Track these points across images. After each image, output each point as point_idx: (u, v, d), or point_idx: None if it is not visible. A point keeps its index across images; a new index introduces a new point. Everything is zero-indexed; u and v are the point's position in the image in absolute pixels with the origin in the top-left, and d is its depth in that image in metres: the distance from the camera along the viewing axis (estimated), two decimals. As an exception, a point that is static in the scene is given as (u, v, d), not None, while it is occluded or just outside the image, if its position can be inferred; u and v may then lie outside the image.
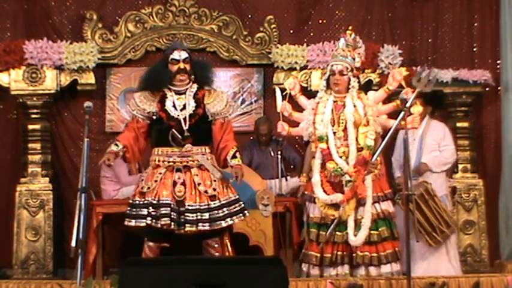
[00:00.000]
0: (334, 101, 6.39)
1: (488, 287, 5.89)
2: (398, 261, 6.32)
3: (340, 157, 6.28)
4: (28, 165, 8.39)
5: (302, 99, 6.62)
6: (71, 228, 5.34)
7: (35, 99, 8.40)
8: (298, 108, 6.72)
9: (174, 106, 6.08)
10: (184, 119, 6.06)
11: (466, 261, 8.30)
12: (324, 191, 6.32)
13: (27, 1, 8.75)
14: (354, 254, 6.26)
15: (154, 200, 5.93)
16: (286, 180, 8.10)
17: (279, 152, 8.02)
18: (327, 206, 6.34)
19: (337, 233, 6.31)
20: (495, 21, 8.94)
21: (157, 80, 6.11)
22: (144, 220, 5.92)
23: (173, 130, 6.00)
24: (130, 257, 5.74)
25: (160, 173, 5.98)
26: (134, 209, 5.99)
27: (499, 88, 8.85)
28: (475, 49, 8.99)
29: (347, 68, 6.36)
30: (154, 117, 6.11)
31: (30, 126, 8.43)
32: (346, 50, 6.40)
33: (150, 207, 5.92)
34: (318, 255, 6.37)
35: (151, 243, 6.14)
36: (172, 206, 5.91)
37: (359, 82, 6.50)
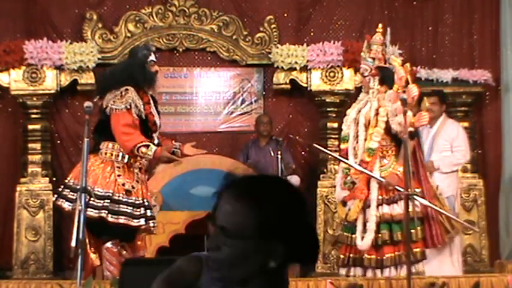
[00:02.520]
0: (367, 101, 6.42)
1: (488, 287, 5.88)
2: (400, 265, 6.25)
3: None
4: (28, 165, 8.39)
5: None
6: (70, 228, 5.33)
7: (35, 99, 8.39)
8: None
9: (155, 111, 6.00)
10: (159, 127, 6.01)
11: (466, 261, 8.28)
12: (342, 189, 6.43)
13: (27, 1, 8.75)
14: (364, 257, 6.26)
15: (138, 200, 5.84)
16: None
17: (279, 152, 8.03)
18: (340, 204, 6.43)
19: (351, 235, 6.32)
20: (495, 21, 8.95)
21: (145, 78, 5.91)
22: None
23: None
24: (130, 257, 5.76)
25: (137, 174, 5.90)
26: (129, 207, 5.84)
27: (499, 88, 8.86)
28: (475, 50, 9.00)
29: (366, 70, 6.39)
30: (139, 116, 5.89)
31: (30, 126, 8.43)
32: (366, 52, 6.43)
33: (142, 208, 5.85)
34: (339, 255, 6.49)
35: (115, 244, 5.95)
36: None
37: (385, 79, 6.38)
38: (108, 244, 5.79)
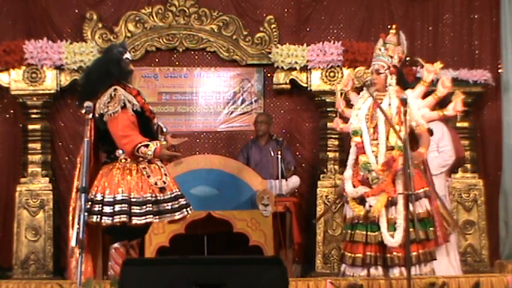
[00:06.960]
0: (376, 99, 6.40)
1: (488, 287, 5.88)
2: (424, 263, 6.22)
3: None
4: (28, 165, 8.40)
5: (352, 96, 6.66)
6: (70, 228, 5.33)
7: (35, 99, 8.40)
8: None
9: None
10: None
11: (466, 261, 8.30)
12: (354, 186, 6.31)
13: (27, 1, 8.75)
14: (388, 255, 6.19)
15: (173, 192, 5.83)
16: (286, 180, 8.10)
17: (279, 152, 8.03)
18: (354, 201, 6.32)
19: (370, 233, 6.24)
20: (495, 22, 8.96)
21: (121, 73, 5.88)
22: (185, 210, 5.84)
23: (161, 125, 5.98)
24: (130, 257, 5.76)
25: (162, 167, 5.89)
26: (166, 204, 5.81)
27: (499, 88, 8.86)
28: (475, 50, 9.00)
29: (383, 67, 6.38)
30: (136, 111, 5.83)
31: (30, 126, 8.44)
32: (383, 49, 6.42)
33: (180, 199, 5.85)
34: (352, 255, 6.31)
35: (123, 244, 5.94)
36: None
37: (399, 79, 6.40)
38: (117, 244, 5.78)
